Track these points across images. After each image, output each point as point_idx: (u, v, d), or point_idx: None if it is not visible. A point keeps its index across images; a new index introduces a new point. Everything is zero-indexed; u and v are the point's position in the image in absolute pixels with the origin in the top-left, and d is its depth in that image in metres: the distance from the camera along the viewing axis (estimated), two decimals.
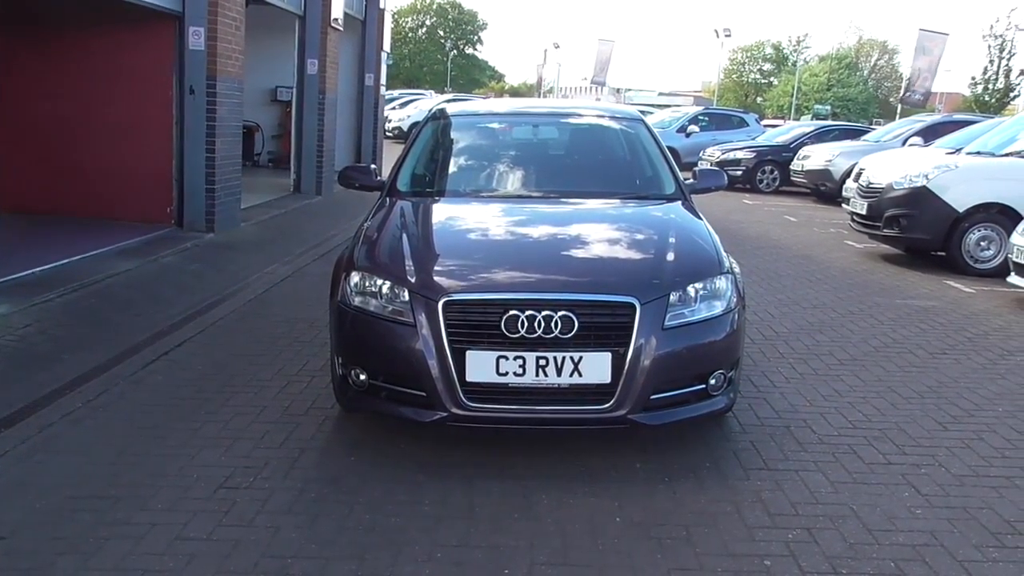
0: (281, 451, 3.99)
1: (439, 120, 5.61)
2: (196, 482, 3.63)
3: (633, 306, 3.68)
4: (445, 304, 3.68)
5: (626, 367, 3.63)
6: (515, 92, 70.03)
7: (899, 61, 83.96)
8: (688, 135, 22.54)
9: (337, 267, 4.33)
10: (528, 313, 3.61)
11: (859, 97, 75.15)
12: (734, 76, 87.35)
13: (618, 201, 4.87)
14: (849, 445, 4.27)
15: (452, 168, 5.32)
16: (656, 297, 3.74)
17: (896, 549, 3.25)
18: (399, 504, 3.49)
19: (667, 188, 5.01)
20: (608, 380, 3.64)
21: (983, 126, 13.40)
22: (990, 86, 38.19)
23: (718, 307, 3.92)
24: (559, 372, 3.61)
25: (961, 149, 10.47)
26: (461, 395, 3.64)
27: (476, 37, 75.30)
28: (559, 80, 52.92)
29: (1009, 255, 7.82)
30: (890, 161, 10.74)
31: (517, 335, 3.61)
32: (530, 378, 3.61)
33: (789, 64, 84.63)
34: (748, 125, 23.45)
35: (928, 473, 3.97)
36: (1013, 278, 7.80)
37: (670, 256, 4.02)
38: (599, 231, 4.45)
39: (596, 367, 3.63)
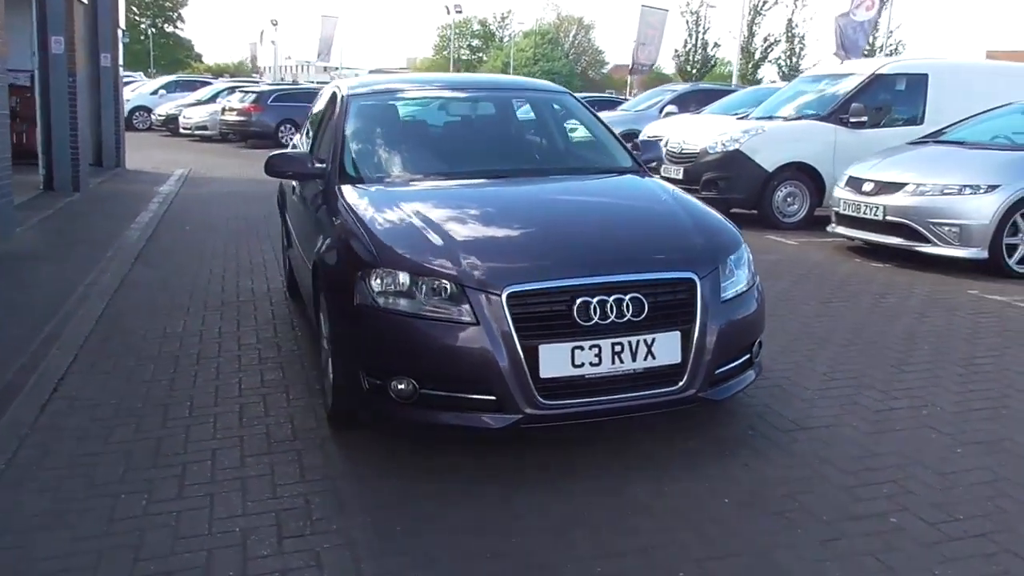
0: (309, 485, 3.43)
1: (368, 98, 5.04)
2: (246, 537, 3.02)
3: (694, 281, 3.56)
4: (509, 296, 3.33)
5: (694, 344, 3.51)
6: (227, 72, 66.00)
7: (594, 36, 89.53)
8: None
9: (338, 269, 3.78)
10: (599, 298, 3.36)
11: (563, 71, 79.15)
12: (444, 53, 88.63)
13: (595, 176, 4.71)
14: (845, 396, 4.44)
15: (410, 150, 4.79)
16: (711, 271, 3.64)
17: (979, 488, 3.42)
18: (498, 522, 3.13)
19: (623, 160, 4.89)
20: (679, 360, 3.49)
21: (743, 93, 14.69)
22: (691, 57, 41.90)
23: (748, 277, 3.90)
24: (634, 357, 3.41)
25: (749, 114, 11.34)
26: (536, 394, 3.32)
27: (176, 14, 70.19)
28: (276, 60, 50.63)
29: (834, 207, 8.59)
30: (694, 128, 11.39)
31: (591, 322, 3.35)
32: (606, 367, 3.38)
33: (496, 40, 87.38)
34: None
35: (931, 413, 4.22)
36: (836, 228, 8.58)
37: (700, 230, 3.92)
38: (614, 208, 4.26)
39: (668, 347, 3.47)
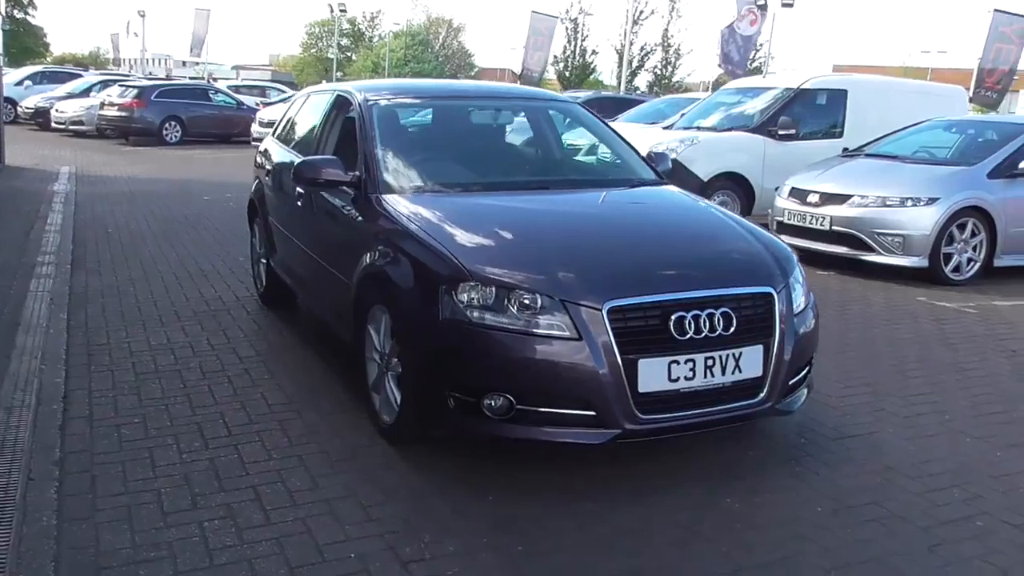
0: (399, 506, 3.31)
1: (389, 105, 4.82)
2: (366, 564, 2.89)
3: (771, 295, 3.64)
4: (610, 311, 3.31)
5: (773, 357, 3.59)
6: (87, 63, 62.10)
7: (464, 39, 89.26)
8: None
9: (413, 284, 3.64)
10: (693, 313, 3.39)
11: (433, 72, 78.74)
12: (312, 51, 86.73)
13: (631, 187, 4.72)
14: (869, 403, 4.63)
15: (447, 159, 4.66)
16: (783, 285, 3.73)
17: None
18: (611, 539, 3.11)
19: (644, 171, 4.93)
20: (760, 373, 3.56)
21: (654, 104, 15.14)
22: (570, 64, 42.67)
23: (805, 292, 4.01)
24: (723, 371, 3.46)
25: (673, 124, 11.66)
26: (635, 409, 3.32)
27: (27, 0, 65.42)
28: (143, 52, 48.14)
29: (776, 217, 8.92)
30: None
31: (686, 337, 3.38)
32: (699, 381, 3.41)
33: (366, 40, 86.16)
34: None
35: (952, 419, 4.46)
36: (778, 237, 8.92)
37: (764, 246, 4.01)
38: (682, 222, 4.31)
39: (752, 361, 3.53)
